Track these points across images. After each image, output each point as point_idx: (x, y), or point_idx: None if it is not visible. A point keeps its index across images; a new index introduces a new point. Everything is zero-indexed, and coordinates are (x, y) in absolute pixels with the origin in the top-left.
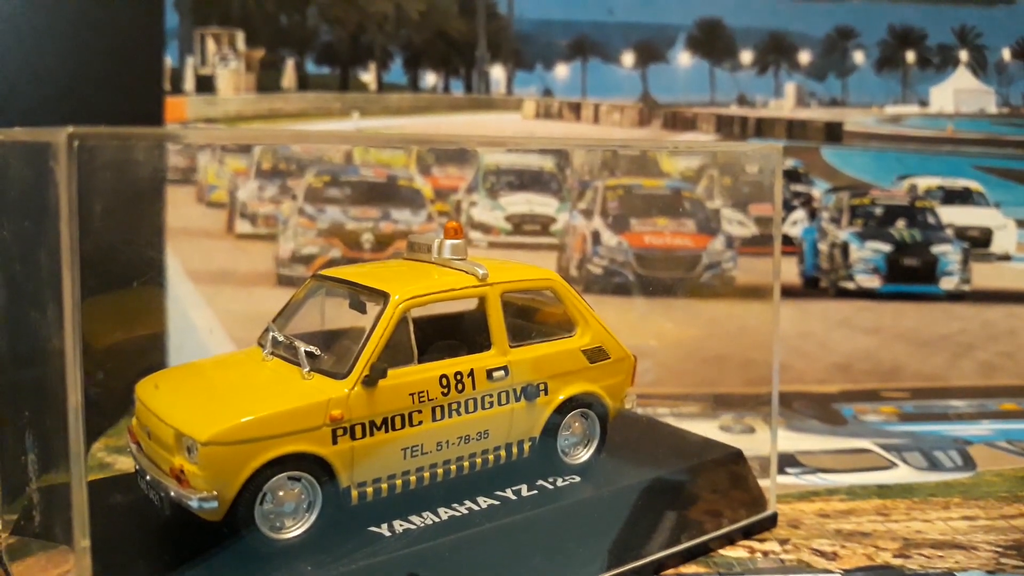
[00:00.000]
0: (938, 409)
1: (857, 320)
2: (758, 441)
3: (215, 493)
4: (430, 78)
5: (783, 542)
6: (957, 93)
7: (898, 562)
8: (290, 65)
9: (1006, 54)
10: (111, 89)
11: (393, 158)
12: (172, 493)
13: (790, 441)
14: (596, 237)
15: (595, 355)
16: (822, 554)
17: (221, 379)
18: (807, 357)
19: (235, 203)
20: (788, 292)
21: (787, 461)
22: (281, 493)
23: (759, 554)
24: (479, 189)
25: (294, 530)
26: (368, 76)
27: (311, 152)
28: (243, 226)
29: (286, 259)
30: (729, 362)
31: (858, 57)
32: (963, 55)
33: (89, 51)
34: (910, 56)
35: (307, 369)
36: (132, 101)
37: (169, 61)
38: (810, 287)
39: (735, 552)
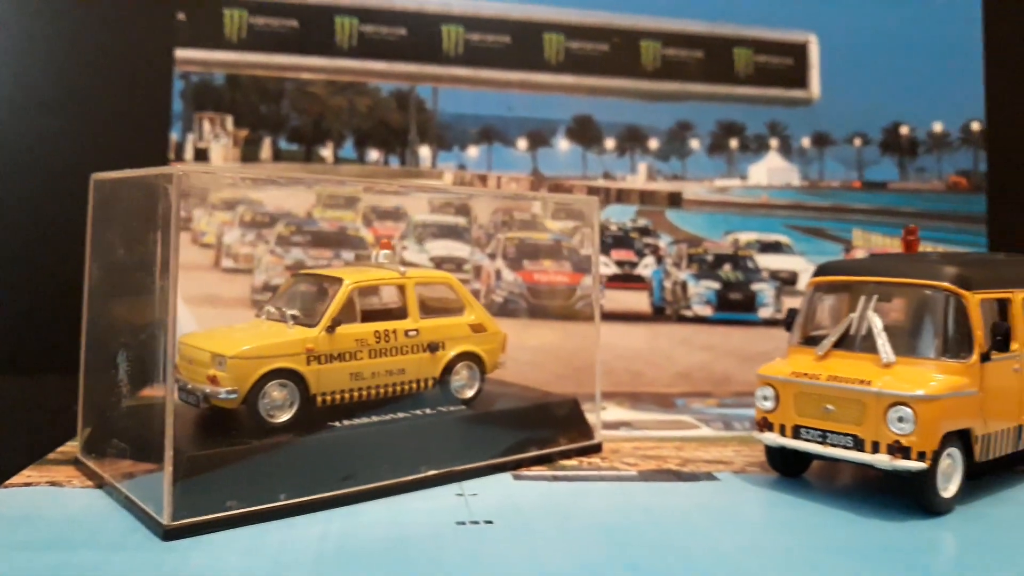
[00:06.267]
0: (750, 402)
1: (695, 340)
2: (608, 414)
3: (236, 389)
4: (373, 154)
5: (604, 459)
6: (769, 170)
7: (676, 468)
8: (267, 142)
9: (806, 142)
10: (132, 157)
11: (343, 215)
12: (208, 391)
13: (630, 415)
14: (498, 274)
15: (477, 328)
16: (627, 464)
17: (237, 330)
18: (656, 367)
19: (221, 245)
20: (642, 318)
21: (623, 424)
22: (275, 393)
23: (585, 463)
24: (410, 237)
25: (282, 418)
26: (327, 152)
27: (281, 209)
28: (227, 263)
29: (259, 287)
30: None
31: (694, 143)
32: (774, 142)
33: (115, 128)
34: (733, 143)
35: (291, 323)
36: (146, 166)
37: (174, 137)
38: (658, 314)
39: (569, 462)
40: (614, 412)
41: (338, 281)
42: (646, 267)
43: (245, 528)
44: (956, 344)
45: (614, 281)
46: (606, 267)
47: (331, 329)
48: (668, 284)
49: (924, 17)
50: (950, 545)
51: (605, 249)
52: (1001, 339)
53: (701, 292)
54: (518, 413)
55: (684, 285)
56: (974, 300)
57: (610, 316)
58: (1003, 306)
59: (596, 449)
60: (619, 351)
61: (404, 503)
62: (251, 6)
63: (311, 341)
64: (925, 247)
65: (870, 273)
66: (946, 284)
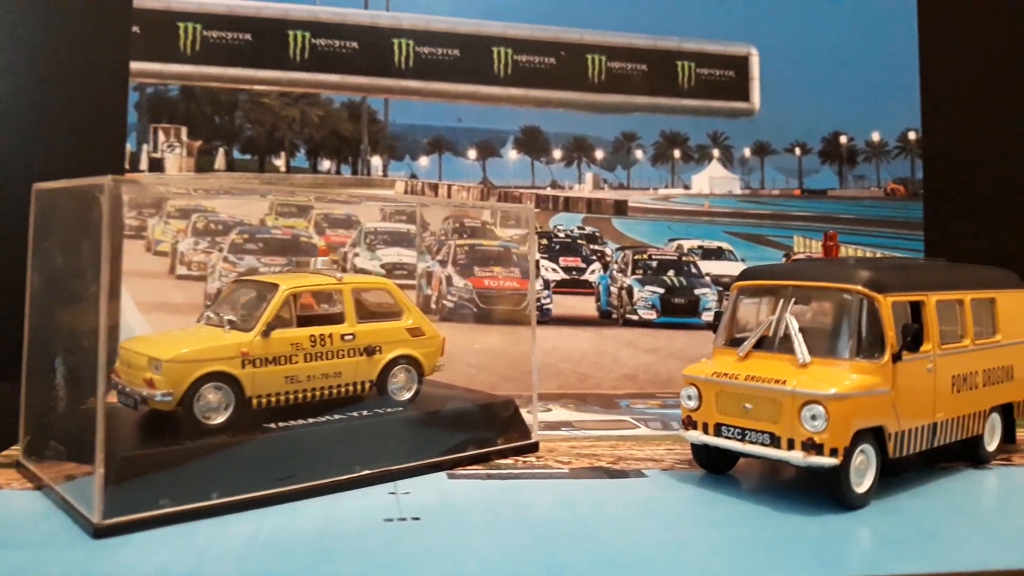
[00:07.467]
0: None
1: (640, 342)
2: (551, 415)
3: (171, 392)
4: (326, 164)
5: (539, 458)
6: (711, 179)
7: (608, 465)
8: (221, 152)
9: (747, 152)
10: (87, 167)
11: (297, 223)
12: (144, 393)
13: (573, 416)
14: (449, 280)
15: (415, 332)
16: (561, 463)
17: (176, 334)
18: (603, 369)
19: (176, 253)
20: (588, 322)
21: (565, 425)
22: (210, 396)
23: (520, 462)
24: (361, 244)
25: (217, 419)
26: (279, 161)
27: (234, 217)
28: (181, 270)
29: (213, 294)
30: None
31: (638, 154)
32: (715, 152)
33: (71, 139)
34: (677, 153)
35: (228, 328)
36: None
37: (129, 148)
38: (605, 318)
39: (505, 462)
40: (558, 413)
41: (274, 287)
42: (593, 273)
43: (177, 526)
44: (868, 345)
45: (562, 286)
46: (555, 273)
47: (266, 333)
48: (614, 289)
49: (862, 30)
50: (864, 538)
51: (553, 256)
52: (911, 340)
53: (646, 297)
54: (455, 414)
55: (630, 290)
56: (886, 303)
57: (558, 320)
58: (916, 308)
59: (533, 448)
60: (567, 354)
61: (336, 502)
62: (205, 20)
63: (246, 345)
64: (865, 253)
65: (789, 277)
66: (859, 287)
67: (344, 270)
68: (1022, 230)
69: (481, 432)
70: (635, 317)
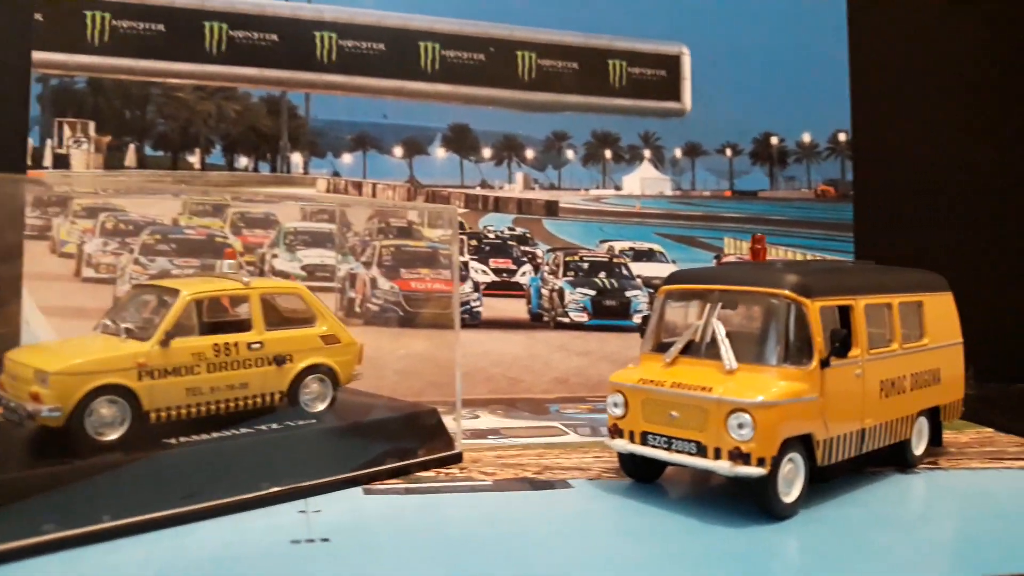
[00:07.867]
0: None
1: (572, 345)
2: (479, 422)
3: (59, 407)
4: (243, 160)
5: (462, 469)
6: (643, 180)
7: (533, 476)
8: (131, 149)
9: (678, 153)
10: None
11: (212, 223)
12: (30, 408)
13: (501, 423)
14: (374, 283)
15: (329, 340)
16: (485, 474)
17: (67, 343)
18: (534, 373)
19: (83, 255)
20: (520, 325)
21: (492, 432)
22: (103, 410)
23: (442, 474)
24: (280, 245)
25: (111, 435)
26: (194, 158)
27: (146, 217)
28: (88, 272)
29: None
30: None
31: (569, 154)
32: (647, 153)
33: None
34: (608, 153)
35: (124, 336)
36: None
37: (31, 143)
38: (536, 321)
39: (426, 474)
40: (486, 420)
41: (175, 292)
42: (524, 275)
43: (63, 553)
44: (796, 351)
45: (492, 289)
46: (485, 275)
47: (165, 342)
48: (545, 291)
49: (792, 31)
50: (792, 550)
51: (484, 257)
52: (839, 345)
53: (577, 299)
54: (372, 425)
55: (561, 292)
56: (814, 307)
57: (488, 323)
58: (845, 313)
59: (456, 459)
60: (497, 358)
61: (241, 522)
62: (114, 8)
63: (143, 355)
64: (796, 255)
65: (716, 281)
66: (786, 292)
67: (262, 273)
68: (950, 232)
69: (400, 443)
70: (567, 319)
